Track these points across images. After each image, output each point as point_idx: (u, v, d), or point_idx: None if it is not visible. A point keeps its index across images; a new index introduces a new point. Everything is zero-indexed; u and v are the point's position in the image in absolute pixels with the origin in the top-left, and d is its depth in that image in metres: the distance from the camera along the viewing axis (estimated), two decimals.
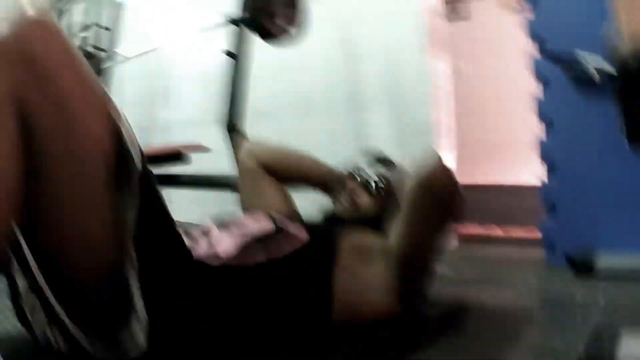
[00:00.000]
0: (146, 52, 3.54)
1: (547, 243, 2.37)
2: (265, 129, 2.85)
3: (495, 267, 2.09)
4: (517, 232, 3.08)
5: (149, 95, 4.21)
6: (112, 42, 3.70)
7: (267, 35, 2.44)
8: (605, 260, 2.08)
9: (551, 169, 2.34)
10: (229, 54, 2.56)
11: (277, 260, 1.27)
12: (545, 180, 2.36)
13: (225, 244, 1.27)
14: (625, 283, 1.92)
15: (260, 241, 1.31)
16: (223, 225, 1.40)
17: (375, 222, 1.58)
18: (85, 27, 3.72)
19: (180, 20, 3.81)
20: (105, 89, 1.09)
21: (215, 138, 3.20)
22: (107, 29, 3.70)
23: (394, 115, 2.92)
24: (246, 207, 1.80)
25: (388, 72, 2.92)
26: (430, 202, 1.33)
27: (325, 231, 1.47)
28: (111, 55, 3.62)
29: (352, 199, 1.67)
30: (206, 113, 3.68)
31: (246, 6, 2.40)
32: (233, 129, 2.57)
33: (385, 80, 2.93)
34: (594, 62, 2.07)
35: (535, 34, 2.31)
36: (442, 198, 1.34)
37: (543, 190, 2.38)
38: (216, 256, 1.23)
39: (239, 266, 1.23)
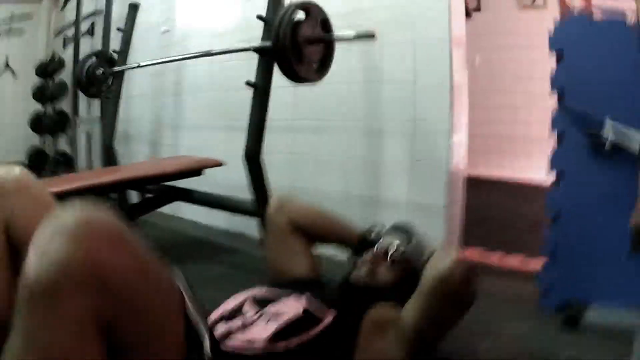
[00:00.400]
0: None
1: (543, 288, 2.48)
2: (282, 142, 2.98)
3: (488, 308, 2.12)
4: (516, 261, 3.22)
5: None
6: (127, 44, 3.81)
7: (291, 74, 2.48)
8: (594, 314, 2.21)
9: (555, 218, 2.43)
10: (252, 84, 2.64)
11: (305, 342, 1.39)
12: (548, 228, 2.45)
13: (259, 333, 1.38)
14: (611, 340, 2.02)
15: (291, 326, 1.41)
16: (259, 308, 1.48)
17: (390, 291, 1.67)
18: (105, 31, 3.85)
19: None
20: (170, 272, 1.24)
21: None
22: (122, 30, 3.80)
23: (410, 144, 2.99)
24: (273, 263, 1.91)
25: (409, 101, 2.97)
26: (447, 296, 1.41)
27: (348, 308, 1.54)
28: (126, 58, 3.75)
29: (372, 267, 1.73)
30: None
31: (277, 41, 2.42)
32: (253, 159, 2.69)
33: (404, 110, 2.99)
34: (615, 134, 2.16)
35: (558, 86, 2.37)
36: (458, 294, 1.42)
37: (545, 238, 2.47)
38: (251, 345, 1.35)
39: (271, 352, 1.35)
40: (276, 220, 1.90)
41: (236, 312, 1.45)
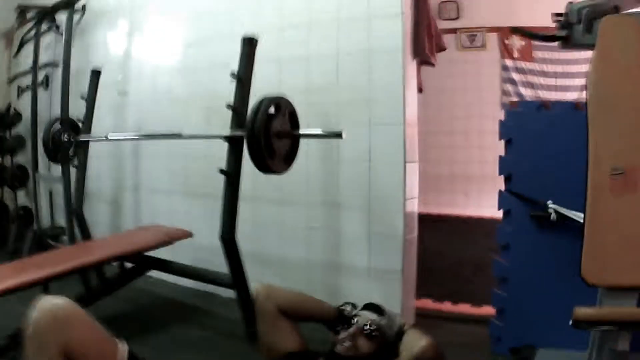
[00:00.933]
0: None
1: (494, 336, 2.85)
2: (247, 211, 3.17)
3: (449, 355, 2.16)
4: (466, 308, 3.55)
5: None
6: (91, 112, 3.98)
7: (262, 166, 2.67)
8: (543, 357, 2.52)
9: (503, 284, 2.80)
10: (224, 172, 2.82)
11: None
12: (498, 291, 2.82)
13: None
14: None
15: None
16: None
17: None
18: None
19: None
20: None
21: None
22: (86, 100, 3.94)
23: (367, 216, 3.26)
24: (268, 343, 2.17)
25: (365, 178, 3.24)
26: None
27: None
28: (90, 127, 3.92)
29: (353, 341, 2.02)
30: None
31: (250, 127, 2.60)
32: (229, 240, 2.88)
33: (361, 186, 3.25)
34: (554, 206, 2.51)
35: (506, 172, 2.71)
36: None
37: (494, 300, 2.85)
38: None
39: None
40: (266, 307, 2.17)
41: None
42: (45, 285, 2.74)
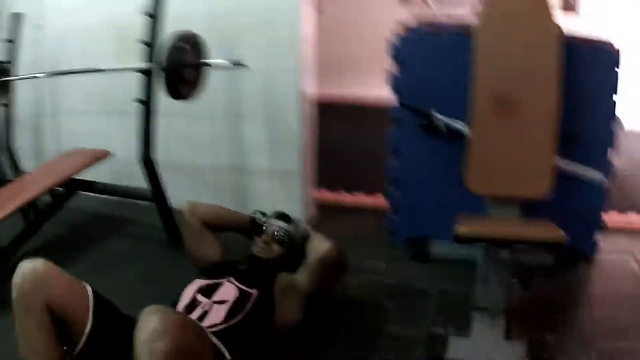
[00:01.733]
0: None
1: (390, 229, 3.29)
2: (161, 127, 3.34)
3: (349, 247, 2.44)
4: (365, 199, 3.98)
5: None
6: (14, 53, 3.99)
7: (175, 94, 2.92)
8: (438, 248, 2.77)
9: (396, 184, 3.20)
10: (140, 101, 3.04)
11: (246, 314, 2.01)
12: (392, 189, 3.23)
13: (216, 318, 1.98)
14: (455, 268, 2.70)
15: (234, 306, 2.02)
16: (208, 297, 2.07)
17: (283, 263, 2.38)
18: None
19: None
20: None
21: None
22: (10, 41, 3.97)
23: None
24: (194, 253, 2.52)
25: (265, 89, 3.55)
26: (328, 268, 2.26)
27: (263, 282, 2.17)
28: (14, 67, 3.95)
29: (267, 246, 2.42)
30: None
31: (164, 64, 2.82)
32: (147, 161, 3.17)
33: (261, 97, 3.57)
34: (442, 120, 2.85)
35: (397, 88, 3.03)
36: (335, 267, 2.29)
37: (388, 197, 3.27)
38: (214, 327, 1.95)
39: (228, 327, 1.97)
40: (191, 222, 2.53)
41: (194, 303, 2.05)
42: None
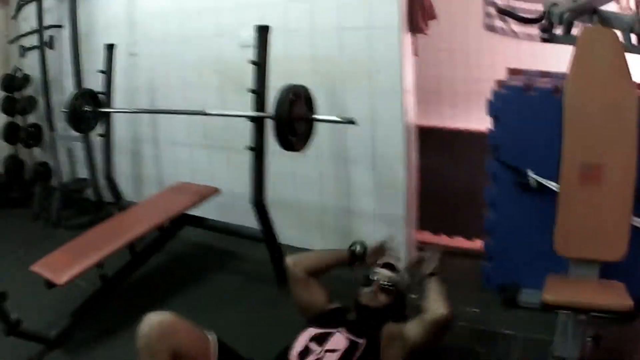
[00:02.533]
0: None
1: (485, 275, 3.73)
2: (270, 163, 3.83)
3: (450, 291, 2.76)
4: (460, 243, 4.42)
5: None
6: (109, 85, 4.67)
7: (286, 145, 3.36)
8: (527, 296, 3.36)
9: (491, 233, 3.64)
10: (252, 148, 3.56)
11: None
12: (487, 239, 3.66)
13: None
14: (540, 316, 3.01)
15: (345, 354, 2.37)
16: (320, 346, 2.45)
17: (389, 311, 2.73)
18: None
19: None
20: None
21: None
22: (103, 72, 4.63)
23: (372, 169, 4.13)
24: (301, 304, 2.88)
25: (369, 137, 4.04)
26: (441, 328, 2.56)
27: (371, 333, 2.51)
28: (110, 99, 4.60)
29: (374, 295, 2.75)
30: None
31: (278, 114, 3.22)
32: (259, 205, 3.68)
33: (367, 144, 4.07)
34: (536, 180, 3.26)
35: (493, 143, 3.44)
36: (447, 327, 2.57)
37: (484, 245, 3.70)
38: None
39: None
40: (295, 272, 2.90)
41: (307, 350, 2.41)
42: (101, 264, 3.46)
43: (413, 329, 2.59)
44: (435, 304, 2.58)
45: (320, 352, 2.41)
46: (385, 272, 2.87)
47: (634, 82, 2.60)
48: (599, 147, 2.67)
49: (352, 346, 2.44)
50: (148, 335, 2.18)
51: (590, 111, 2.68)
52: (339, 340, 2.47)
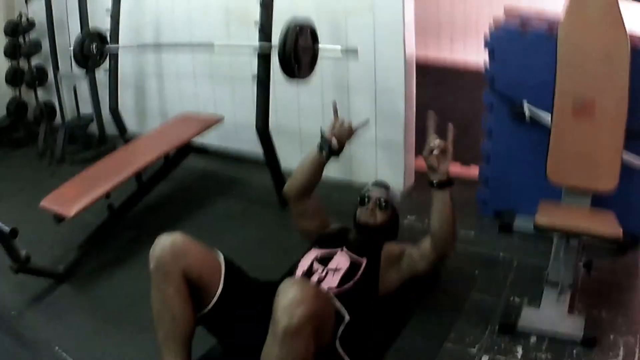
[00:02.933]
0: None
1: (480, 200, 3.89)
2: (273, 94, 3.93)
3: None
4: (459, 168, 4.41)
5: None
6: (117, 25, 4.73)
7: (290, 75, 3.46)
8: (522, 222, 3.49)
9: (487, 161, 3.77)
10: (258, 77, 3.68)
11: (356, 282, 2.47)
12: (484, 165, 3.80)
13: (331, 283, 2.43)
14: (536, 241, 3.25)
15: (346, 274, 2.49)
16: (323, 266, 2.53)
17: (385, 229, 2.88)
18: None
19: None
20: None
21: None
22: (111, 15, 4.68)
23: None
24: (302, 231, 2.99)
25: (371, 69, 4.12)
26: (439, 260, 2.62)
27: (371, 252, 2.63)
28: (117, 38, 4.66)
29: (372, 212, 2.87)
30: None
31: (282, 45, 3.33)
32: (264, 133, 3.81)
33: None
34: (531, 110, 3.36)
35: (490, 76, 3.54)
36: (445, 258, 2.65)
37: (481, 172, 3.85)
38: (329, 291, 2.38)
39: (341, 292, 2.39)
40: (292, 199, 2.95)
41: (311, 269, 2.54)
42: (107, 195, 3.58)
43: (414, 254, 2.65)
44: (441, 232, 2.51)
45: (324, 271, 2.52)
46: (379, 191, 2.99)
47: (626, 26, 2.68)
48: (591, 84, 2.76)
49: (353, 265, 2.55)
50: (160, 256, 2.22)
51: (583, 53, 2.76)
52: (340, 259, 2.58)
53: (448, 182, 2.48)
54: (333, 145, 2.75)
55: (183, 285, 2.22)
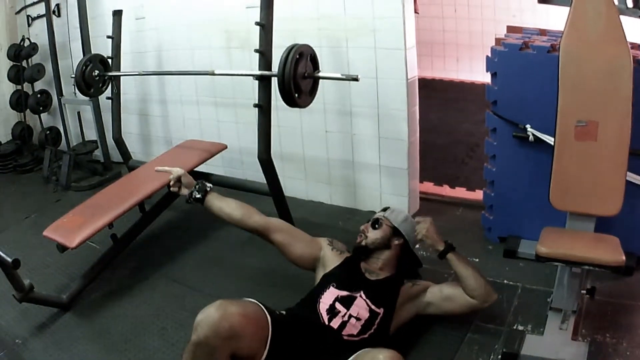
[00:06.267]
0: None
1: (485, 226, 3.90)
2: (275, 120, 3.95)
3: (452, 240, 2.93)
4: (464, 193, 4.55)
5: None
6: (118, 50, 4.75)
7: (291, 103, 3.47)
8: (526, 247, 3.42)
9: (491, 185, 3.77)
10: (259, 105, 3.69)
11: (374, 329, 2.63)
12: (488, 190, 3.80)
13: (353, 330, 2.59)
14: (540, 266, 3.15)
15: (367, 323, 2.64)
16: (346, 308, 2.64)
17: (375, 247, 2.93)
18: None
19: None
20: None
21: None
22: (111, 37, 4.70)
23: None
24: (288, 259, 3.06)
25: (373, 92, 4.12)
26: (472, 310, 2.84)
27: (386, 299, 2.75)
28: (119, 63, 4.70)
29: (363, 233, 2.96)
30: None
31: (282, 73, 3.32)
32: (266, 160, 3.81)
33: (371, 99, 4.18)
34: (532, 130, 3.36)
35: (492, 98, 3.54)
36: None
37: (485, 195, 3.84)
38: (351, 338, 2.57)
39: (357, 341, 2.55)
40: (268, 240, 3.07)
41: (334, 310, 2.64)
42: (110, 225, 3.58)
43: (442, 299, 2.83)
44: (478, 286, 2.75)
45: (345, 315, 2.64)
46: (379, 214, 3.09)
47: (628, 43, 2.68)
48: (594, 105, 2.75)
49: (371, 316, 2.66)
50: (208, 336, 2.15)
51: (585, 72, 2.75)
52: (360, 308, 2.68)
53: (448, 249, 2.83)
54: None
55: None
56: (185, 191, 3.09)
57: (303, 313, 2.68)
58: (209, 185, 3.12)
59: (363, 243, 2.95)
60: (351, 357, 2.33)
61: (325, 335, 2.55)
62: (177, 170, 3.12)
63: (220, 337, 2.14)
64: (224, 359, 2.18)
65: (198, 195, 3.06)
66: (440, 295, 2.80)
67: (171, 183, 3.10)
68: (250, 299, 2.45)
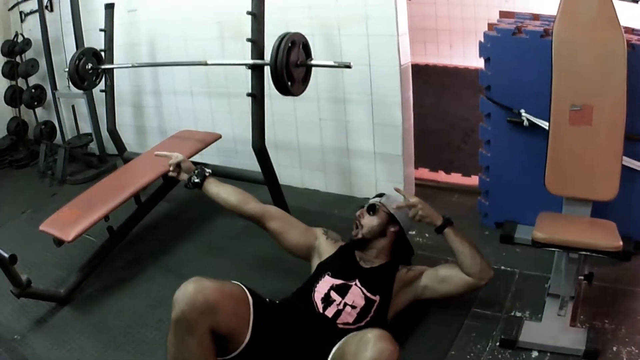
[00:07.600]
0: None
1: (482, 212, 3.86)
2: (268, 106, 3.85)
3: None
4: (460, 178, 4.53)
5: None
6: (111, 42, 4.69)
7: (284, 91, 3.41)
8: (523, 232, 3.49)
9: (487, 171, 3.73)
10: (252, 94, 3.63)
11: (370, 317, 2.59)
12: (484, 176, 3.77)
13: (349, 318, 2.55)
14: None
15: (362, 311, 2.60)
16: (341, 297, 2.61)
17: (372, 236, 2.89)
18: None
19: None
20: None
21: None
22: (103, 30, 4.64)
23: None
24: (282, 248, 3.07)
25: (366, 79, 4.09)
26: (471, 290, 2.82)
27: (383, 285, 2.71)
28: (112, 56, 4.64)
29: (358, 222, 2.91)
30: None
31: (274, 61, 3.27)
32: (260, 150, 3.77)
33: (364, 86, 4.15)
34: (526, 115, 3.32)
35: (486, 83, 3.50)
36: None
37: (480, 181, 3.81)
38: (347, 326, 2.52)
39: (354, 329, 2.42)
40: (263, 227, 3.08)
41: (329, 298, 2.62)
42: (106, 217, 3.56)
43: (440, 275, 2.80)
44: (474, 264, 2.72)
45: (340, 303, 2.61)
46: (374, 200, 3.04)
47: (622, 27, 2.64)
48: (588, 89, 2.72)
49: (367, 303, 2.63)
50: (186, 310, 2.12)
51: (578, 56, 2.72)
52: (356, 296, 2.65)
53: (445, 223, 2.78)
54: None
55: (208, 339, 2.17)
56: (184, 176, 3.12)
57: (296, 302, 2.68)
58: (208, 170, 3.13)
59: (360, 235, 2.91)
60: (340, 340, 2.27)
61: (318, 324, 2.52)
62: (177, 156, 3.14)
63: (197, 311, 2.10)
64: (203, 334, 2.13)
65: (196, 180, 3.07)
66: (437, 277, 2.77)
67: (170, 168, 3.11)
68: (233, 281, 2.43)
